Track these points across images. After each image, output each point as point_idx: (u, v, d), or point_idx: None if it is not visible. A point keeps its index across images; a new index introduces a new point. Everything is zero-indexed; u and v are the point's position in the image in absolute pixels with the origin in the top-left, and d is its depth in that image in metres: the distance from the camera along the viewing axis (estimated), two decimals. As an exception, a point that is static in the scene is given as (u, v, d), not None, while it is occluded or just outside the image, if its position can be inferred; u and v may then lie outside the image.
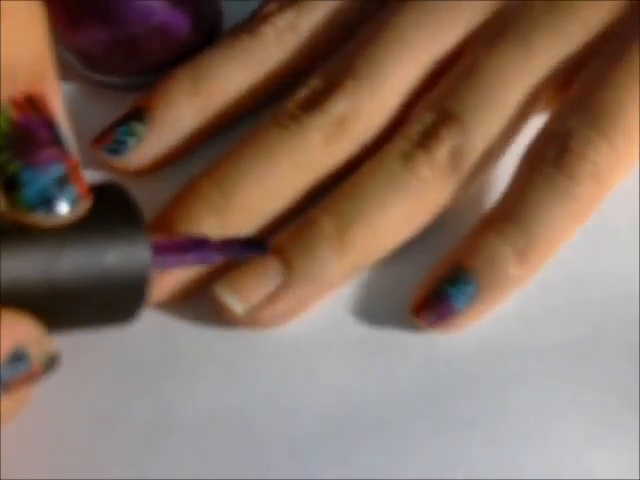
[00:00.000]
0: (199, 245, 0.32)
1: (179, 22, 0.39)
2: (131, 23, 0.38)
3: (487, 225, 0.35)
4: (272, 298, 0.35)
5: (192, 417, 0.34)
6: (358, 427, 0.34)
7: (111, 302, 0.28)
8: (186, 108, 0.38)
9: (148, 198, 0.37)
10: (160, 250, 0.30)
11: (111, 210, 0.28)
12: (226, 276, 0.35)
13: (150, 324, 0.35)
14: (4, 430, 0.32)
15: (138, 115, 0.38)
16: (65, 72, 0.40)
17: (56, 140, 0.26)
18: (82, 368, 0.34)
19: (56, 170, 0.26)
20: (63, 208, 0.26)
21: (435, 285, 0.35)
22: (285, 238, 0.35)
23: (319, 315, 0.36)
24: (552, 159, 0.35)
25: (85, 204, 0.27)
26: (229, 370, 0.35)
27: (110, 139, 0.38)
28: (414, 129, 0.36)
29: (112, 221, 0.28)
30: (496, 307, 0.35)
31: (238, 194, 0.36)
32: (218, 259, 0.32)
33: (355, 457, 0.33)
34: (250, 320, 0.35)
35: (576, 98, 0.36)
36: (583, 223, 0.36)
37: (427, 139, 0.36)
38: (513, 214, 0.35)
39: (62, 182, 0.26)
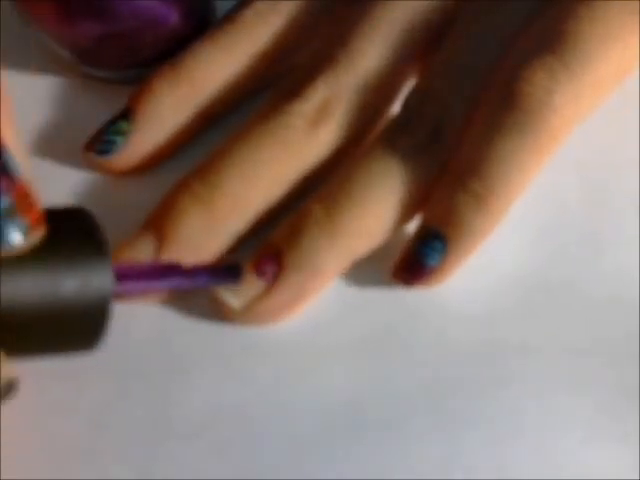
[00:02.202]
0: (168, 271, 0.32)
1: (171, 15, 0.38)
2: (124, 17, 0.38)
3: (447, 177, 0.35)
4: (268, 290, 0.35)
5: (191, 417, 0.34)
6: (358, 427, 0.34)
7: (71, 329, 0.28)
8: (169, 102, 0.37)
9: (142, 198, 0.37)
10: (124, 277, 0.30)
11: (74, 235, 0.28)
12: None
13: (149, 323, 0.35)
14: (4, 430, 0.32)
15: (124, 113, 0.37)
16: (59, 67, 0.40)
17: (2, 170, 0.26)
18: (82, 367, 0.34)
19: (3, 202, 0.26)
20: (15, 238, 0.26)
21: (408, 246, 0.35)
22: (277, 230, 0.35)
23: (319, 315, 0.36)
24: (504, 91, 0.34)
25: (38, 233, 0.26)
26: (229, 370, 0.35)
27: (99, 140, 0.37)
28: (400, 115, 0.36)
29: (74, 247, 0.27)
30: (468, 258, 0.35)
31: (224, 186, 0.35)
32: (190, 286, 0.32)
33: (355, 457, 0.33)
34: (248, 315, 0.35)
35: (537, 33, 0.36)
36: (545, 158, 0.34)
37: (409, 121, 0.36)
38: (468, 160, 0.34)
39: (10, 213, 0.26)
